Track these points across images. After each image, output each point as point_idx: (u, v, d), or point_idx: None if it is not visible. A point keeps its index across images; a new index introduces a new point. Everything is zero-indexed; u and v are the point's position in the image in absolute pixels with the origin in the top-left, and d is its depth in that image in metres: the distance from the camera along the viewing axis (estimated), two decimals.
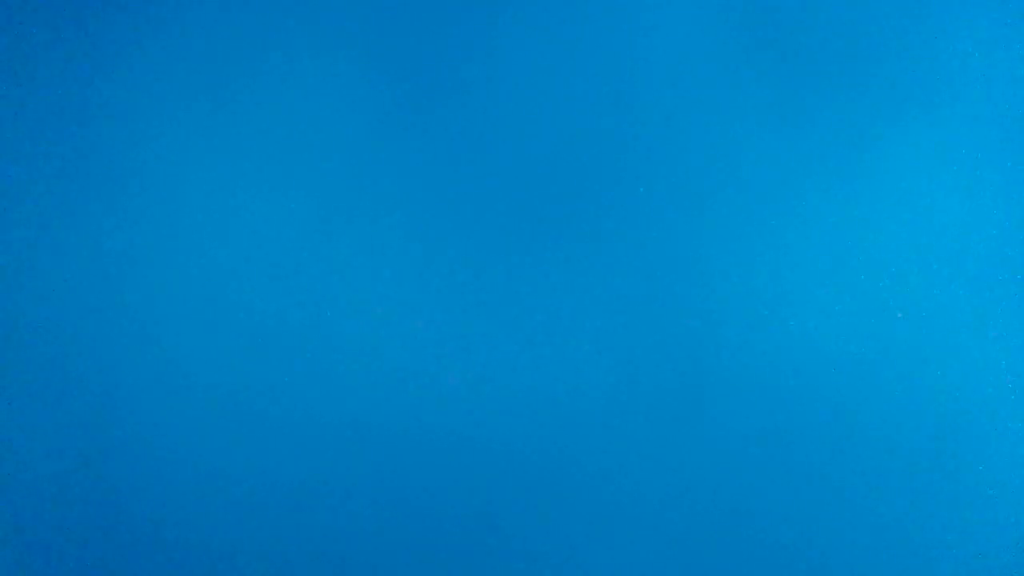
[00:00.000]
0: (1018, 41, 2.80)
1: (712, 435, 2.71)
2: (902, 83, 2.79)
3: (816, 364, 2.73)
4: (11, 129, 2.76)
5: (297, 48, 2.80)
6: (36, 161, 2.76)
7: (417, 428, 2.71)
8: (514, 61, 2.80)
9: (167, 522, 2.69)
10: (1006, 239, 2.75)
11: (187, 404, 2.71)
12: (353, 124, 2.79)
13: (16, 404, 2.71)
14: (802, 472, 2.70)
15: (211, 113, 2.78)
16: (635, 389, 2.72)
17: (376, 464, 2.70)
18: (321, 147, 2.78)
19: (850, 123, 2.78)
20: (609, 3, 2.82)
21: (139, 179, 2.76)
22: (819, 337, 2.73)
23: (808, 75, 2.80)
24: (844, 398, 2.72)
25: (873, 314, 2.74)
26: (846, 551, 2.69)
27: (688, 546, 2.70)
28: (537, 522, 2.70)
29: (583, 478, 2.71)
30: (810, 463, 2.70)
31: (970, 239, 2.76)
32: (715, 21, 2.82)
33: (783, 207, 2.76)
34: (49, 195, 2.75)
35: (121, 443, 2.70)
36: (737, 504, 2.70)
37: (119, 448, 2.70)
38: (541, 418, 2.72)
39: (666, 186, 2.77)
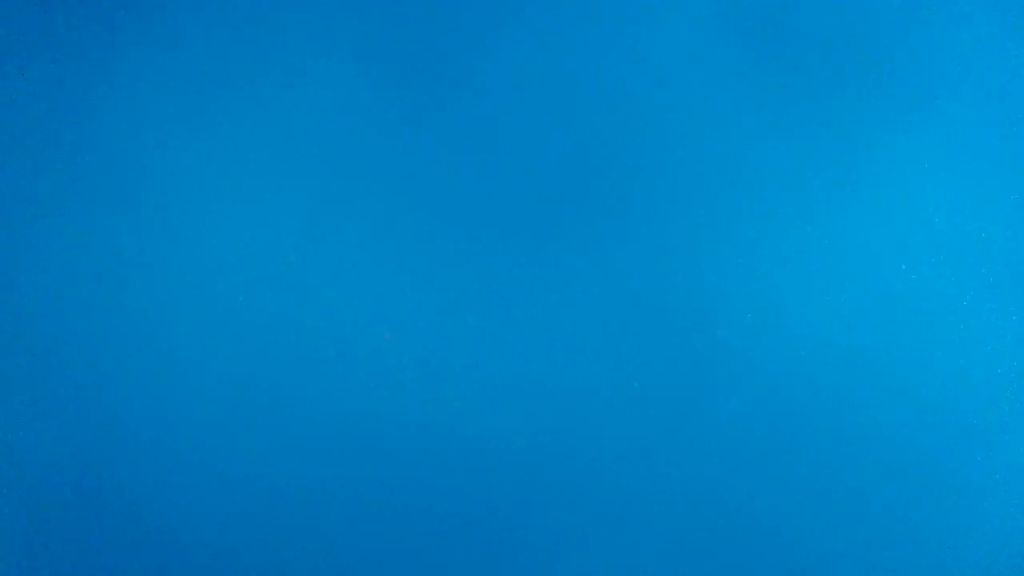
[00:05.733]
0: (1019, 41, 2.81)
1: (715, 435, 2.71)
2: (904, 83, 2.80)
3: (817, 364, 2.73)
4: (11, 128, 2.76)
5: (296, 46, 2.80)
6: (34, 160, 2.76)
7: (417, 426, 2.71)
8: (514, 60, 2.81)
9: (168, 521, 2.68)
10: (1008, 238, 2.76)
11: (187, 403, 2.71)
12: (354, 122, 2.79)
13: (16, 403, 2.71)
14: (803, 470, 2.70)
15: (210, 111, 2.78)
16: (636, 387, 2.73)
17: (377, 463, 2.70)
18: (322, 145, 2.78)
19: (851, 123, 2.79)
20: (610, 2, 2.82)
21: (138, 177, 2.76)
22: (821, 336, 2.73)
23: (810, 75, 2.80)
24: (846, 397, 2.72)
25: (874, 313, 2.74)
26: (847, 550, 2.70)
27: (690, 545, 2.70)
28: (538, 521, 2.70)
29: (585, 477, 2.71)
30: (811, 462, 2.71)
31: (972, 239, 2.76)
32: (716, 21, 2.83)
33: (784, 206, 2.77)
34: (48, 194, 2.75)
35: (119, 443, 2.70)
36: (740, 503, 2.70)
37: (118, 448, 2.70)
38: (543, 416, 2.72)
39: (667, 185, 2.77)
